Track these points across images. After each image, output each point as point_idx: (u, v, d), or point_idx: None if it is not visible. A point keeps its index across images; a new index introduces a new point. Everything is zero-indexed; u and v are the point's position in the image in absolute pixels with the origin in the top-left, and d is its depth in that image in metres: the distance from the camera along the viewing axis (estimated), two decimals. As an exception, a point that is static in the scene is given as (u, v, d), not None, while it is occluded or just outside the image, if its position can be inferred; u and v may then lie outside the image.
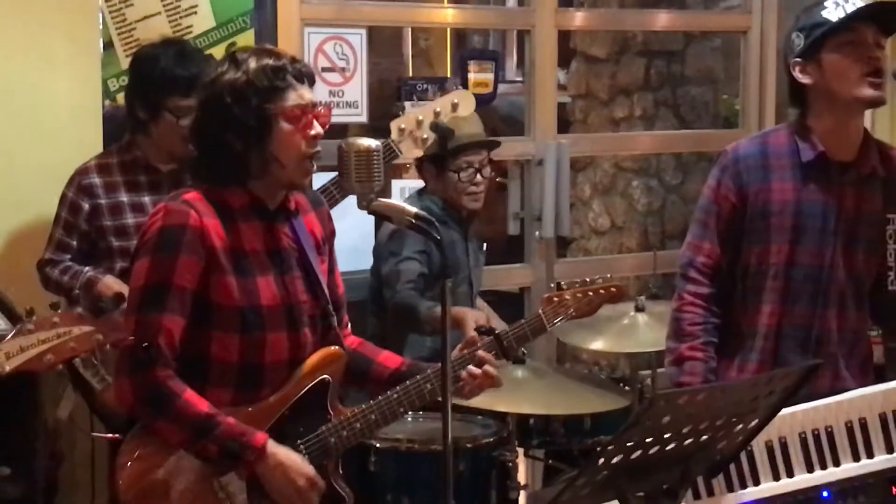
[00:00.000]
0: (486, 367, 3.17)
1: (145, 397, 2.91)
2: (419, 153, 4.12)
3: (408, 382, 3.12)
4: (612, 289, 3.42)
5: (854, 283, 3.47)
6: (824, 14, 3.37)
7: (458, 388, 3.14)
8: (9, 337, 2.45)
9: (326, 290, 3.13)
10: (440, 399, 2.88)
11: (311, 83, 3.04)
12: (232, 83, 2.95)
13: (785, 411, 2.89)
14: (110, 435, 3.65)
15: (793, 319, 3.45)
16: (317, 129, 2.99)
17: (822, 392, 3.16)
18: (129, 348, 2.89)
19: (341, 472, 3.15)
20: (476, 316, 4.11)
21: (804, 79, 3.42)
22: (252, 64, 2.96)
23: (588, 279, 3.42)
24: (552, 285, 3.46)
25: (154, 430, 2.95)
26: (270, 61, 2.97)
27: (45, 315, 2.50)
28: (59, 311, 2.51)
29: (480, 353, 3.18)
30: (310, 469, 3.01)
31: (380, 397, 3.11)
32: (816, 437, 3.04)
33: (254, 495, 2.97)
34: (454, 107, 4.05)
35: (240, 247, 2.99)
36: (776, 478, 3.02)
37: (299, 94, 2.98)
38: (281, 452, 2.98)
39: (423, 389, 3.11)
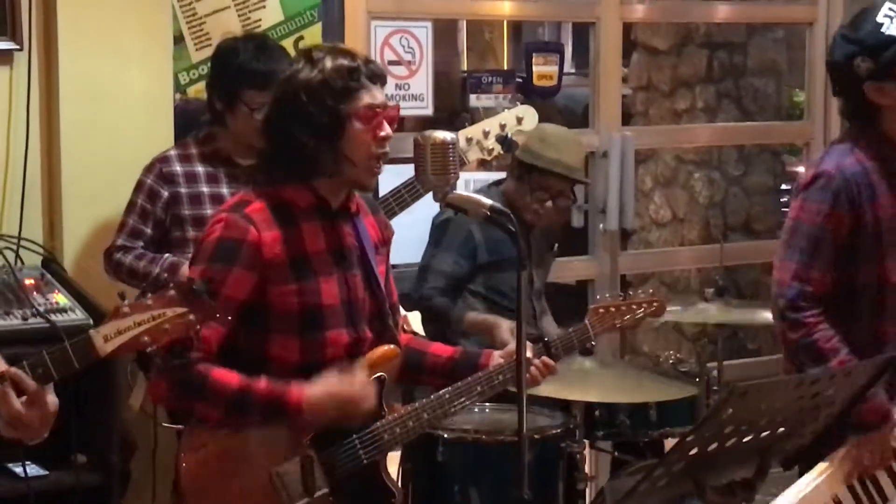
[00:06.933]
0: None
1: (178, 386, 2.96)
2: (485, 158, 4.18)
3: (459, 383, 3.17)
4: (655, 303, 3.55)
5: None
6: (886, 31, 3.26)
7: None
8: (106, 320, 2.49)
9: (384, 291, 3.17)
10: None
11: (383, 84, 3.07)
12: (307, 82, 2.98)
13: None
14: (180, 426, 3.70)
15: None
16: (387, 130, 3.02)
17: None
18: (165, 351, 2.90)
19: (410, 463, 3.26)
20: (511, 325, 4.12)
21: (884, 100, 3.30)
22: (328, 63, 2.99)
23: (631, 292, 3.57)
24: (598, 297, 3.62)
25: (197, 416, 3.01)
26: (346, 62, 3.00)
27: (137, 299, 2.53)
28: (126, 301, 2.53)
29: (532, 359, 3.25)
30: (350, 384, 3.01)
31: (431, 396, 3.16)
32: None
33: (309, 479, 3.01)
34: (519, 121, 4.13)
35: (302, 251, 3.02)
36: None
37: (372, 95, 3.01)
38: (318, 398, 2.97)
39: (474, 391, 3.17)
